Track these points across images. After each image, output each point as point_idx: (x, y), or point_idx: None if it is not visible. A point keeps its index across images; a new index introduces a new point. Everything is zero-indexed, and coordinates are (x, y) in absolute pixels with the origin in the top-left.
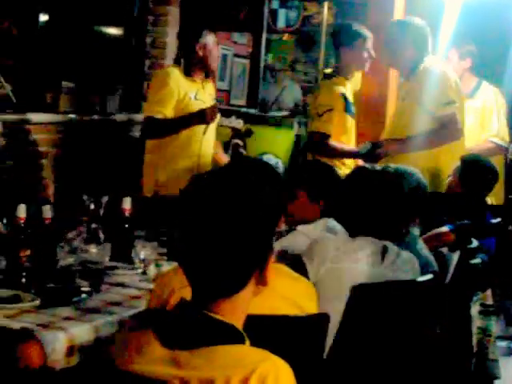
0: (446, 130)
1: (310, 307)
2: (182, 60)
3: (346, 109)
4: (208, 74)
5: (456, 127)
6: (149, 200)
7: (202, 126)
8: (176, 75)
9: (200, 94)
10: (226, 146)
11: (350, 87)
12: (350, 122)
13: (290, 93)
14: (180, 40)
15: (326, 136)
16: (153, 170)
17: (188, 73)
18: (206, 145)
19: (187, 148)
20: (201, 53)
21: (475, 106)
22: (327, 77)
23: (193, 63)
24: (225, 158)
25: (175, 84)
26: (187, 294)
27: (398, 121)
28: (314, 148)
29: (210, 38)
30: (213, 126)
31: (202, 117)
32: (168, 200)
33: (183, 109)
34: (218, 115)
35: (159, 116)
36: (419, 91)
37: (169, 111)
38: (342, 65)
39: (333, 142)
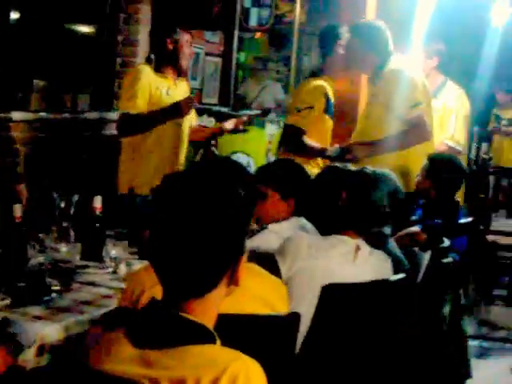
0: (415, 132)
1: (280, 306)
2: (153, 57)
3: (326, 109)
4: (180, 72)
5: (424, 129)
6: (123, 198)
7: (178, 120)
8: (147, 71)
9: (172, 90)
10: (197, 145)
11: (332, 88)
12: (328, 123)
13: (270, 92)
14: (152, 37)
15: (302, 131)
16: (128, 167)
17: (159, 69)
18: (184, 140)
19: (162, 143)
20: (171, 47)
21: (436, 106)
22: (313, 75)
23: (164, 59)
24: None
25: (146, 80)
26: (158, 292)
27: (366, 124)
28: (286, 142)
29: (182, 36)
30: (188, 120)
31: (177, 109)
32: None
33: (155, 104)
34: (193, 109)
35: (133, 111)
36: (385, 94)
37: (143, 106)
38: (327, 65)
39: (306, 139)
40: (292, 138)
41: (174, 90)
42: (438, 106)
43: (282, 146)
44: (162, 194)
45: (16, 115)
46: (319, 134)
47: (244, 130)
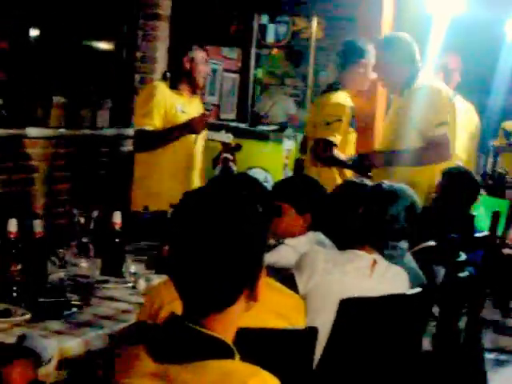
0: (436, 150)
1: (298, 320)
2: (169, 74)
3: (351, 122)
4: (195, 90)
5: (446, 149)
6: (136, 215)
7: (193, 137)
8: (162, 88)
9: (187, 107)
10: (215, 161)
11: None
12: (352, 136)
13: (281, 107)
14: (169, 54)
15: (333, 144)
16: (142, 184)
17: (174, 86)
18: (198, 157)
19: (178, 160)
20: (187, 66)
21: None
22: (330, 88)
23: (179, 77)
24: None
25: (162, 96)
26: (177, 307)
27: (389, 136)
28: (317, 155)
29: (198, 53)
30: (202, 138)
31: (191, 126)
32: (158, 215)
33: (170, 121)
34: (207, 125)
35: (149, 128)
36: (411, 110)
37: (158, 122)
38: (346, 80)
39: (337, 152)
40: (323, 152)
41: (189, 107)
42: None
43: (310, 160)
44: (181, 211)
45: (35, 131)
46: (346, 147)
47: (237, 148)
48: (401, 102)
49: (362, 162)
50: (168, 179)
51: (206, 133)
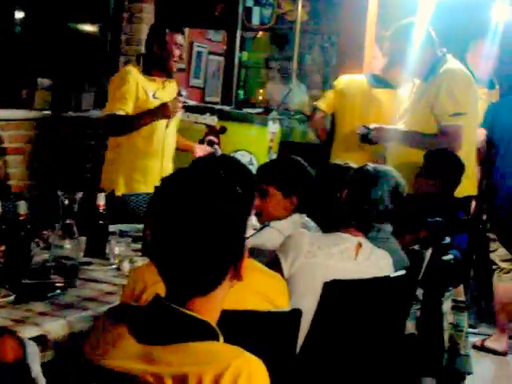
0: (444, 140)
1: (281, 302)
2: (142, 58)
3: None
4: (169, 74)
5: (455, 140)
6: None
7: (164, 122)
8: (135, 73)
9: (159, 92)
10: (200, 143)
11: None
12: None
13: (297, 95)
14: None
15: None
16: (111, 167)
17: (147, 71)
18: (169, 141)
19: (149, 145)
20: (157, 51)
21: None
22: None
23: (151, 62)
24: (199, 149)
25: (134, 81)
26: (160, 290)
27: (408, 117)
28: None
29: (171, 37)
30: (174, 123)
31: (162, 111)
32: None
33: (141, 107)
34: (180, 110)
35: (120, 113)
36: (434, 96)
37: (129, 108)
38: None
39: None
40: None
41: (162, 92)
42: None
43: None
44: (164, 193)
45: (20, 113)
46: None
47: (222, 131)
48: (424, 86)
49: (369, 135)
50: (138, 163)
51: (178, 117)
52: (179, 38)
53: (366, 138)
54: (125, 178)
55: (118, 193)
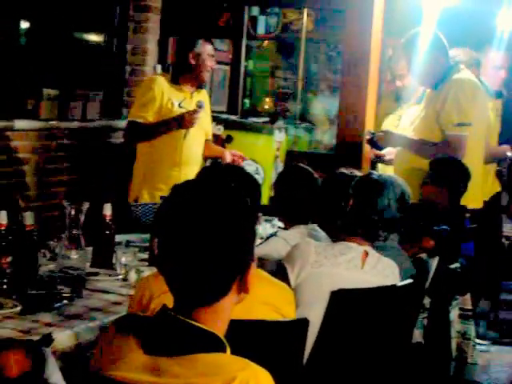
0: (445, 150)
1: (288, 311)
2: (171, 67)
3: None
4: (200, 84)
5: (457, 150)
6: (131, 206)
7: (182, 132)
8: (161, 82)
9: (186, 102)
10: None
11: None
12: None
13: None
14: (159, 46)
15: None
16: (136, 177)
17: (176, 81)
18: (188, 151)
19: (166, 155)
20: (193, 61)
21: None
22: None
23: (182, 71)
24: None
25: (159, 90)
26: (167, 300)
27: (416, 126)
28: None
29: (204, 48)
30: (197, 133)
31: (179, 121)
32: (146, 208)
33: (165, 115)
34: (198, 121)
35: (140, 120)
36: (441, 105)
37: (150, 116)
38: None
39: None
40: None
41: (189, 102)
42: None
43: None
44: (171, 203)
45: (26, 124)
46: None
47: (228, 140)
48: (433, 95)
49: (374, 139)
50: (159, 172)
51: (205, 127)
52: (210, 48)
53: (372, 142)
54: (148, 187)
55: (142, 202)
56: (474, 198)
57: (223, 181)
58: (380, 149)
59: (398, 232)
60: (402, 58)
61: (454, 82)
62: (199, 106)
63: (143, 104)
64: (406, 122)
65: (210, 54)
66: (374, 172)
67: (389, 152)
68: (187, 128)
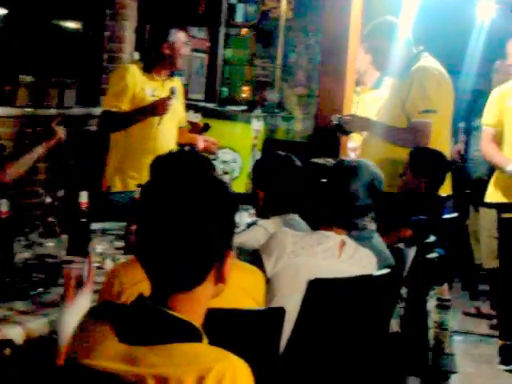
0: (411, 135)
1: (258, 295)
2: (144, 56)
3: None
4: (173, 72)
5: (422, 137)
6: (105, 194)
7: (156, 119)
8: (133, 70)
9: (159, 91)
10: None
11: None
12: None
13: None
14: (137, 33)
15: None
16: (109, 166)
17: (148, 69)
18: (162, 139)
19: (140, 143)
20: (168, 51)
21: (378, 96)
22: None
23: (156, 60)
24: (200, 140)
25: (132, 79)
26: (139, 291)
27: (381, 115)
28: None
29: (177, 36)
30: (170, 120)
31: (153, 108)
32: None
33: (138, 104)
34: (171, 108)
35: (115, 109)
36: (407, 92)
37: (124, 105)
38: None
39: None
40: None
41: (161, 90)
42: (380, 96)
43: None
44: (149, 189)
45: (2, 111)
46: None
47: (205, 129)
48: (398, 83)
49: (341, 124)
50: (131, 160)
51: (178, 114)
52: (184, 36)
53: (339, 127)
54: (121, 175)
55: (115, 190)
56: (444, 185)
57: (203, 168)
58: (347, 133)
59: (375, 221)
60: (364, 50)
61: (418, 69)
62: (172, 92)
63: (116, 93)
64: (366, 107)
65: (183, 41)
66: (346, 159)
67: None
68: (161, 115)
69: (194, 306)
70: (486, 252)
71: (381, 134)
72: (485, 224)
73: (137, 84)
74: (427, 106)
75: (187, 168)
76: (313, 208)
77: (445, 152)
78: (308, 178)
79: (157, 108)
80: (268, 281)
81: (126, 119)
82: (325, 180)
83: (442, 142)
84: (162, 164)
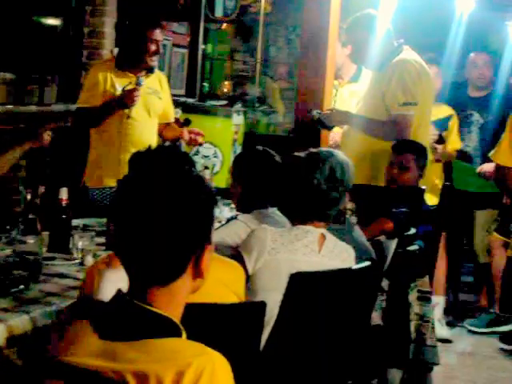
0: (393, 129)
1: (239, 287)
2: (117, 53)
3: None
4: (151, 69)
5: (403, 130)
6: (85, 191)
7: (125, 114)
8: (106, 67)
9: (130, 87)
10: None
11: None
12: None
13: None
14: (117, 29)
15: None
16: (88, 161)
17: (120, 66)
18: (134, 134)
19: (112, 139)
20: (139, 49)
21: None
22: None
23: (128, 57)
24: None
25: (103, 76)
26: None
27: (360, 108)
28: None
29: (150, 35)
30: (142, 114)
31: (119, 101)
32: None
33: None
34: (138, 99)
35: (86, 105)
36: (387, 84)
37: (96, 101)
38: None
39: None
40: None
41: (132, 86)
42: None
43: None
44: (125, 184)
45: None
46: None
47: (186, 123)
48: (378, 76)
49: (321, 118)
50: (104, 156)
51: (158, 109)
52: (155, 34)
53: (320, 122)
54: (97, 172)
55: (94, 186)
56: (425, 178)
57: (180, 163)
58: (329, 128)
59: (355, 214)
60: (341, 43)
61: (398, 62)
62: (137, 83)
63: (88, 90)
64: (344, 101)
65: (156, 39)
66: (313, 150)
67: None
68: (128, 107)
69: (173, 301)
70: (480, 247)
71: (361, 128)
72: (479, 220)
73: (108, 80)
74: (408, 99)
75: (164, 163)
76: (288, 202)
77: (424, 144)
78: (283, 173)
79: (123, 99)
80: (249, 278)
81: (96, 114)
82: (292, 173)
83: (422, 134)
84: (139, 159)
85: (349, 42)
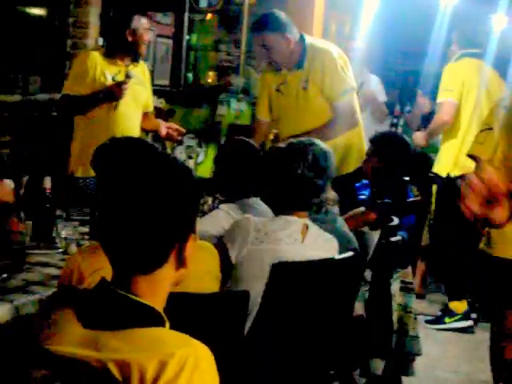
0: (343, 120)
1: (217, 270)
2: (105, 41)
3: None
4: (137, 58)
5: (350, 116)
6: (69, 180)
7: (112, 105)
8: (94, 56)
9: (120, 76)
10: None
11: None
12: None
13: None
14: (107, 23)
15: None
16: (72, 151)
17: (110, 55)
18: (121, 124)
19: (98, 129)
20: (130, 38)
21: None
22: None
23: (118, 47)
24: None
25: (92, 64)
26: (97, 279)
27: (305, 112)
28: None
29: (140, 23)
30: (130, 105)
31: (108, 92)
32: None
33: (98, 89)
34: (126, 91)
35: (73, 94)
36: (319, 78)
37: (84, 90)
38: None
39: None
40: None
41: (123, 75)
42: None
43: None
44: (109, 169)
45: None
46: None
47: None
48: (302, 74)
49: None
50: (90, 146)
51: (142, 100)
52: (146, 22)
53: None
54: (83, 162)
55: (78, 175)
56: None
57: (162, 153)
58: None
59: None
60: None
61: (315, 54)
62: (127, 76)
63: (76, 78)
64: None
65: (146, 27)
66: (293, 140)
67: None
68: (117, 99)
69: (156, 290)
70: None
71: (322, 139)
72: None
73: (97, 69)
74: (346, 85)
75: (145, 151)
76: (272, 193)
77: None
78: (266, 164)
79: (112, 92)
80: (233, 267)
81: (82, 103)
82: (276, 164)
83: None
84: (119, 147)
85: (261, 46)
